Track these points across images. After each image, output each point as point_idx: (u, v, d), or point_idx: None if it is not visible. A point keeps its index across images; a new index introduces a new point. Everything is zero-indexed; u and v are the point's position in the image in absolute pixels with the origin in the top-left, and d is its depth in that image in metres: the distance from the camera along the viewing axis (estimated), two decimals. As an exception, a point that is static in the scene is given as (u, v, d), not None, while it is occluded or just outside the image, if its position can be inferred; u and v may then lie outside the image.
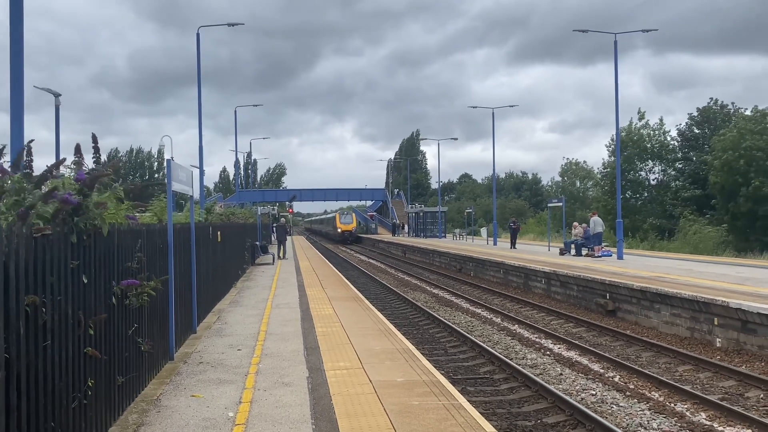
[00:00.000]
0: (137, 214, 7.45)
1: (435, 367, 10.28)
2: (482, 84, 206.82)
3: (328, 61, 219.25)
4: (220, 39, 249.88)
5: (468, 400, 8.29)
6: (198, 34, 29.10)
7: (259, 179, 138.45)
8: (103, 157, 7.23)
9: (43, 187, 5.50)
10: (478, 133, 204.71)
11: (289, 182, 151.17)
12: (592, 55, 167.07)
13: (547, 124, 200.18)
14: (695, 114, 62.14)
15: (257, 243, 34.16)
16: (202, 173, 30.58)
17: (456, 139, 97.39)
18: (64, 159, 6.09)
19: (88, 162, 6.53)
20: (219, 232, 17.54)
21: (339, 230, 79.38)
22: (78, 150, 6.42)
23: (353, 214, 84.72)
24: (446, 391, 8.34)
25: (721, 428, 8.93)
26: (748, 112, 54.59)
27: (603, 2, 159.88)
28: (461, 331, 16.32)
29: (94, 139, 6.65)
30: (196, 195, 15.50)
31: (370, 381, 8.83)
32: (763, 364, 12.55)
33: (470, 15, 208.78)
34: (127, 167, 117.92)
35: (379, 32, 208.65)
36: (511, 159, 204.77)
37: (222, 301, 17.87)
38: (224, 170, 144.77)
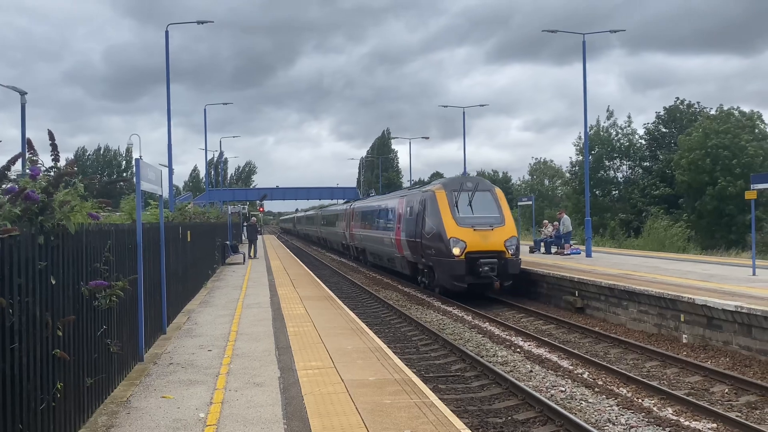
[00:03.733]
0: (102, 213, 7.34)
1: (407, 365, 10.33)
2: (460, 83, 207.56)
3: (307, 58, 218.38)
4: (198, 36, 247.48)
5: (439, 398, 8.35)
6: (167, 32, 28.82)
7: (229, 178, 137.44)
8: (70, 156, 7.13)
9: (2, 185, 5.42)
10: (455, 131, 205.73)
11: (260, 181, 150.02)
12: (569, 54, 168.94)
13: (522, 123, 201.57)
14: (662, 113, 63.06)
15: (228, 242, 33.94)
16: (171, 172, 30.28)
17: (427, 138, 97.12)
18: (19, 155, 5.94)
19: (47, 160, 6.40)
20: (189, 232, 17.40)
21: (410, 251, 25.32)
22: (30, 146, 6.24)
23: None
24: (418, 389, 8.39)
25: (687, 423, 9.09)
26: (713, 112, 55.57)
27: (584, 2, 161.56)
28: (433, 329, 16.39)
29: (51, 137, 6.53)
30: (166, 194, 15.36)
31: (342, 380, 8.84)
32: (727, 359, 12.80)
33: (452, 13, 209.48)
34: (94, 166, 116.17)
35: (360, 30, 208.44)
36: (486, 157, 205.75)
37: (192, 301, 17.73)
38: (195, 169, 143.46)
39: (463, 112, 48.01)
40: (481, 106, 60.66)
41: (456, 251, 21.02)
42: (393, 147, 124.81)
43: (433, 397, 8.04)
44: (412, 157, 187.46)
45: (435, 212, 22.23)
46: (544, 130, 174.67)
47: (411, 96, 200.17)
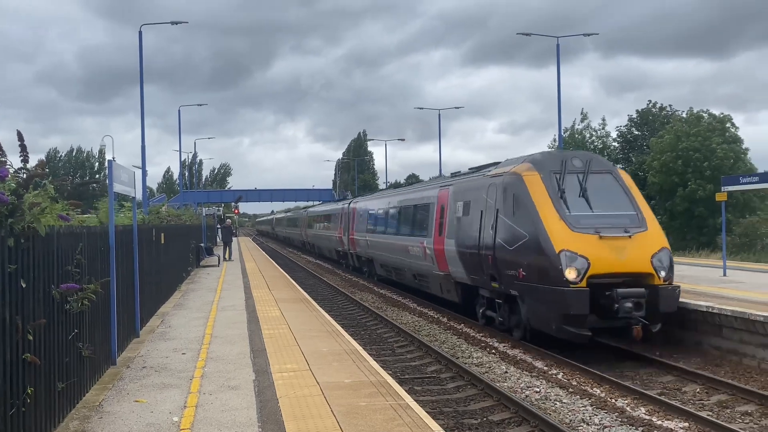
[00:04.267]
0: (72, 214, 7.23)
1: (382, 367, 10.32)
2: (436, 85, 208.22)
3: (284, 60, 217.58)
4: (173, 36, 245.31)
5: (415, 400, 8.36)
6: (140, 33, 28.59)
7: (204, 180, 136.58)
8: (42, 157, 7.02)
9: None
10: (431, 133, 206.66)
11: (235, 183, 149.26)
12: (544, 57, 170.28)
13: (497, 125, 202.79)
14: (635, 116, 63.82)
15: (202, 245, 33.68)
16: (144, 174, 30.03)
17: (403, 140, 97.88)
18: None
19: (16, 162, 6.29)
20: (162, 234, 17.24)
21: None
22: None
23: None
24: (393, 391, 8.39)
25: (659, 422, 9.19)
26: (684, 115, 56.36)
27: (559, 6, 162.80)
28: (408, 331, 16.41)
29: (20, 137, 6.44)
30: (139, 196, 15.21)
31: (318, 383, 8.81)
32: (699, 359, 12.97)
33: (429, 15, 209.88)
34: (66, 167, 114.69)
35: (337, 31, 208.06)
36: (462, 159, 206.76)
37: (166, 304, 17.57)
38: (168, 170, 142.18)
39: (439, 114, 48.26)
40: (456, 108, 60.72)
41: (571, 274, 12.80)
42: (369, 149, 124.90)
43: (409, 399, 8.04)
44: (388, 158, 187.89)
45: (525, 207, 13.88)
46: (520, 132, 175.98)
47: (388, 98, 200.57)
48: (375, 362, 10.20)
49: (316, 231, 47.38)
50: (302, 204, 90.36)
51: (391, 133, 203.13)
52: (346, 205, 35.47)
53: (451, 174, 21.59)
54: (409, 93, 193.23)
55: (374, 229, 27.78)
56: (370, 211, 29.25)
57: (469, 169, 20.06)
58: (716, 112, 52.78)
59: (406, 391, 8.84)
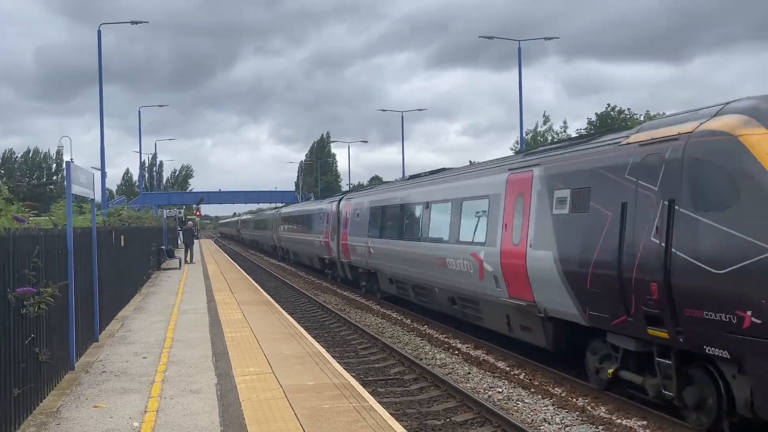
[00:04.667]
0: (28, 216, 7.10)
1: (346, 369, 10.32)
2: (400, 87, 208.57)
3: (247, 61, 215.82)
4: (134, 36, 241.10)
5: (378, 402, 8.38)
6: (99, 32, 28.15)
7: (165, 182, 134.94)
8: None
9: None
10: (395, 135, 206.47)
11: (196, 184, 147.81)
12: (507, 60, 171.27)
13: (460, 128, 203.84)
14: (594, 119, 64.86)
15: (163, 247, 33.27)
16: (103, 176, 29.56)
17: (366, 141, 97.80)
18: None
19: None
20: (122, 237, 16.99)
21: None
22: None
23: None
24: (357, 393, 8.39)
25: (619, 421, 9.34)
26: (642, 118, 57.45)
27: (523, 10, 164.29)
28: (372, 332, 16.42)
29: None
30: (98, 198, 14.96)
31: (281, 386, 8.77)
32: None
33: (393, 18, 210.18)
34: (23, 168, 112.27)
35: (301, 33, 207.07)
36: (425, 161, 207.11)
37: (126, 307, 17.31)
38: (128, 172, 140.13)
39: (402, 117, 48.33)
40: (419, 110, 61.31)
41: None
42: (332, 151, 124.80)
43: (372, 401, 8.05)
44: (352, 160, 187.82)
45: (757, 194, 7.62)
46: (482, 135, 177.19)
47: (351, 100, 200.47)
48: (338, 364, 10.19)
49: (291, 234, 41.03)
50: (265, 206, 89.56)
51: (355, 134, 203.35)
52: (335, 203, 28.97)
53: (523, 151, 15.14)
54: (373, 95, 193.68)
55: (382, 232, 21.22)
56: (373, 210, 22.56)
57: (564, 140, 14.63)
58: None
59: (369, 392, 8.86)
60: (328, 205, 30.45)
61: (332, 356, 11.15)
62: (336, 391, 8.44)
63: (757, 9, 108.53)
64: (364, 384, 10.84)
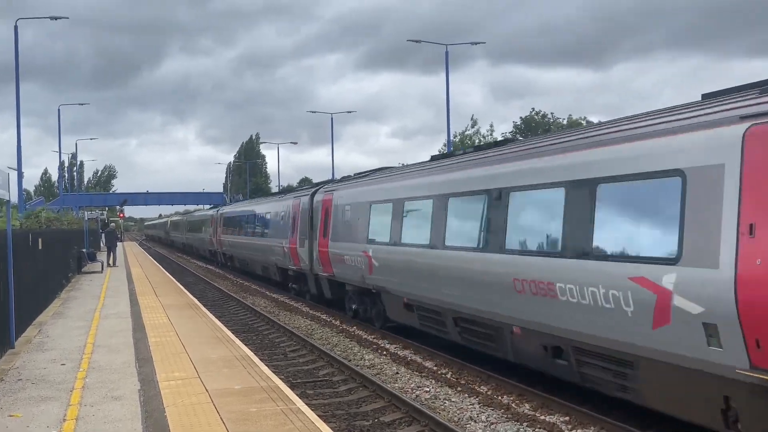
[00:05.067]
0: None
1: (274, 372, 10.24)
2: (330, 89, 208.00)
3: (173, 59, 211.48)
4: (55, 32, 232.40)
5: (306, 404, 8.35)
6: (16, 27, 27.12)
7: (86, 182, 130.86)
8: None
9: None
10: (325, 137, 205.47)
11: (121, 186, 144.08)
12: (436, 64, 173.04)
13: (390, 130, 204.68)
14: (519, 123, 66.39)
15: (84, 250, 32.25)
16: (20, 176, 28.45)
17: (296, 143, 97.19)
18: None
19: None
20: (40, 239, 16.39)
21: None
22: None
23: None
24: (285, 395, 8.34)
25: (543, 417, 9.57)
26: (564, 122, 59.14)
27: (451, 14, 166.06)
28: (301, 335, 16.34)
29: None
30: (15, 199, 14.41)
31: (207, 390, 8.64)
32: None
33: (325, 19, 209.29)
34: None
35: (230, 33, 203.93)
36: (355, 163, 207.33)
37: (44, 313, 16.71)
38: (46, 172, 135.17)
39: (332, 118, 48.32)
40: (349, 112, 61.52)
41: None
42: (262, 152, 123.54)
43: (300, 403, 8.02)
44: (281, 162, 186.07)
45: None
46: (412, 137, 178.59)
47: (281, 101, 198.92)
48: (266, 367, 10.11)
49: (238, 238, 33.80)
50: (192, 207, 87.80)
51: (285, 136, 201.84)
52: (305, 198, 22.02)
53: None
54: (303, 96, 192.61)
55: (395, 237, 14.68)
56: (379, 205, 15.87)
57: None
58: (594, 119, 55.65)
59: (297, 395, 8.82)
60: (293, 201, 23.57)
61: (260, 359, 11.04)
62: (264, 395, 8.37)
63: (674, 18, 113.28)
64: (293, 386, 10.78)
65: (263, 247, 27.76)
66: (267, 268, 27.83)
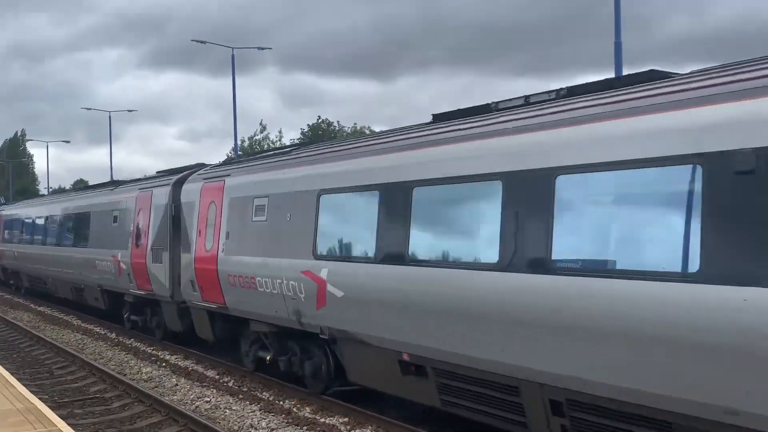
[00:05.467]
0: None
1: (35, 392, 9.43)
2: (111, 86, 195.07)
3: None
4: None
5: (71, 424, 7.78)
6: None
7: None
8: None
9: None
10: (104, 136, 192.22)
11: None
12: (225, 66, 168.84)
13: (177, 131, 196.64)
14: (306, 130, 67.29)
15: None
16: None
17: (68, 141, 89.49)
18: None
19: None
20: None
21: None
22: None
23: None
24: (45, 417, 7.68)
25: (323, 420, 9.71)
26: (349, 130, 60.99)
27: (239, 17, 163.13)
28: (70, 350, 15.19)
29: None
30: None
31: (-49, 417, 7.70)
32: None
33: (103, 12, 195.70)
34: None
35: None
36: (140, 164, 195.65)
37: None
38: None
39: (110, 117, 45.70)
40: (129, 111, 58.28)
41: None
42: (29, 150, 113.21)
43: (62, 425, 7.44)
44: (53, 162, 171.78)
45: None
46: (200, 140, 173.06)
47: (52, 96, 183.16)
48: (24, 388, 9.25)
49: (34, 249, 24.82)
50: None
51: (56, 134, 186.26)
52: (163, 190, 15.26)
53: None
54: (79, 92, 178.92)
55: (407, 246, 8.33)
56: (358, 194, 9.41)
57: None
58: (377, 129, 58.09)
59: (61, 416, 8.16)
60: (139, 194, 16.43)
61: (19, 379, 10.08)
62: (20, 417, 7.64)
63: (450, 37, 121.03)
64: (58, 406, 10.00)
65: (78, 262, 19.72)
66: (82, 290, 20.17)
